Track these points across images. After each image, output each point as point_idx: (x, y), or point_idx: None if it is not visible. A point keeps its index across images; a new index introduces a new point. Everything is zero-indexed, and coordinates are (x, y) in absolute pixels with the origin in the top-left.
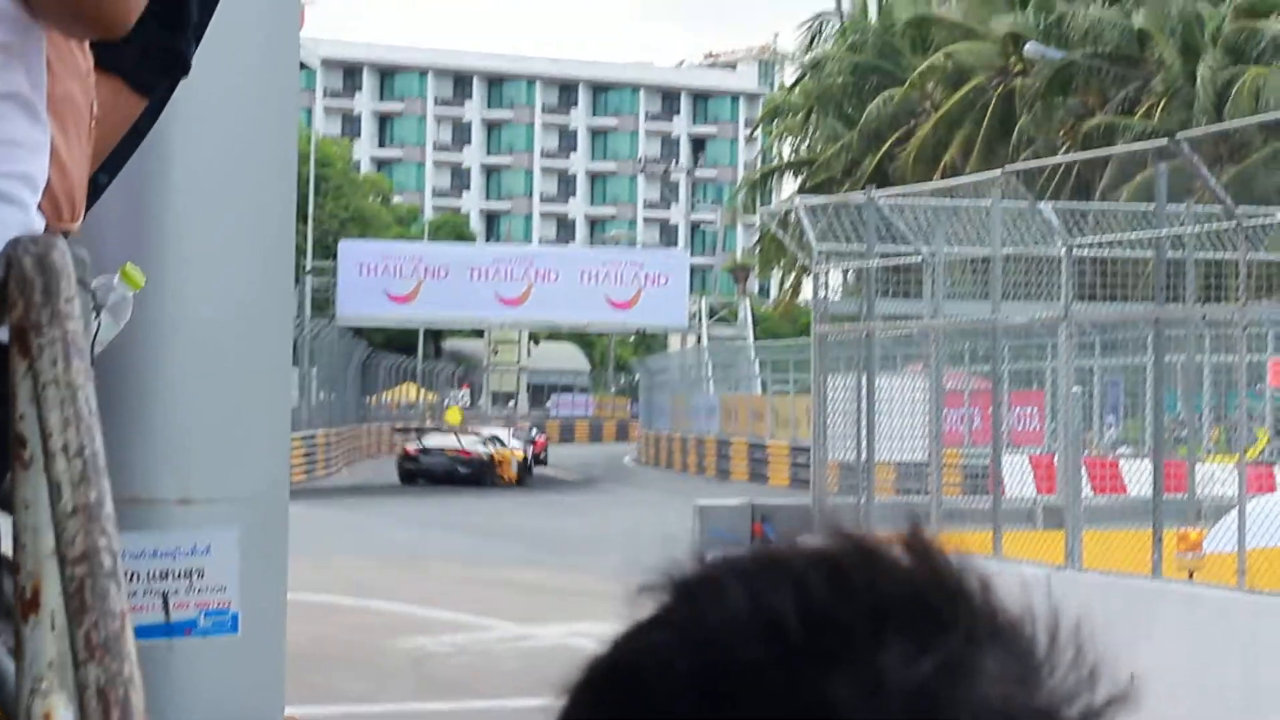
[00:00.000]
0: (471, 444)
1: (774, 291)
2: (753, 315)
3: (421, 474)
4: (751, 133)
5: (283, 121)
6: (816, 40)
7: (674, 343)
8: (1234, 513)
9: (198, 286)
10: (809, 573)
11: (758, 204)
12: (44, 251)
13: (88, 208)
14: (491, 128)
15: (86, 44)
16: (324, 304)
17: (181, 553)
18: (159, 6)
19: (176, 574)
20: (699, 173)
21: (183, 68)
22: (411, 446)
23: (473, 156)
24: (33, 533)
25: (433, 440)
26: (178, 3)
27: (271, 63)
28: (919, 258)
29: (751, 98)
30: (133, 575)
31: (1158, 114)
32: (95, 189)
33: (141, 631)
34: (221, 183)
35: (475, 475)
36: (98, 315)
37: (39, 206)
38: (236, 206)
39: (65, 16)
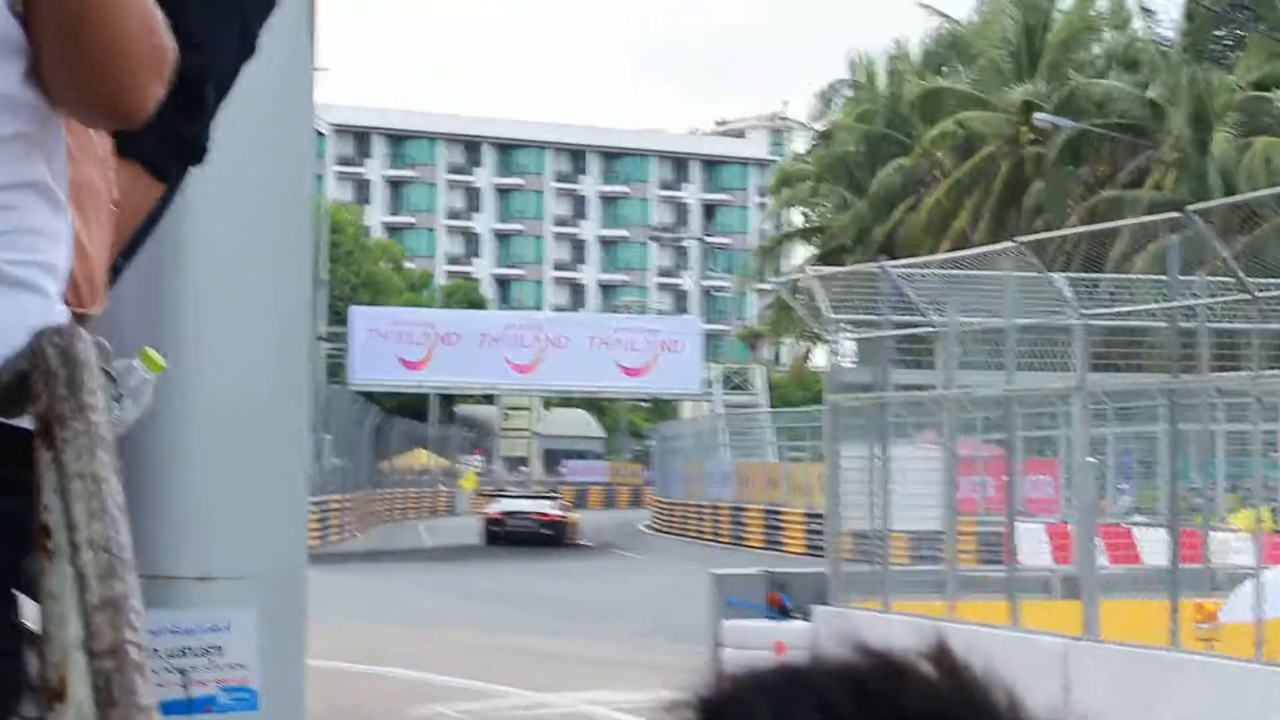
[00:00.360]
0: (549, 508)
1: (785, 357)
2: (767, 382)
3: (508, 537)
4: (763, 200)
5: (297, 193)
6: (829, 108)
7: (687, 409)
8: (1250, 582)
9: (214, 365)
10: (834, 689)
11: (769, 271)
12: (68, 344)
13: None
14: (503, 194)
15: (105, 131)
16: (336, 370)
17: (201, 629)
18: (176, 93)
19: (195, 651)
20: (711, 239)
21: (200, 155)
22: (496, 511)
23: (484, 223)
24: (59, 623)
25: (513, 505)
26: (195, 89)
27: (285, 136)
28: (932, 328)
29: (762, 164)
30: (151, 653)
31: (1169, 184)
32: (113, 272)
33: (161, 708)
34: (236, 261)
35: (556, 536)
36: (119, 401)
37: (61, 293)
38: (252, 284)
39: (85, 106)
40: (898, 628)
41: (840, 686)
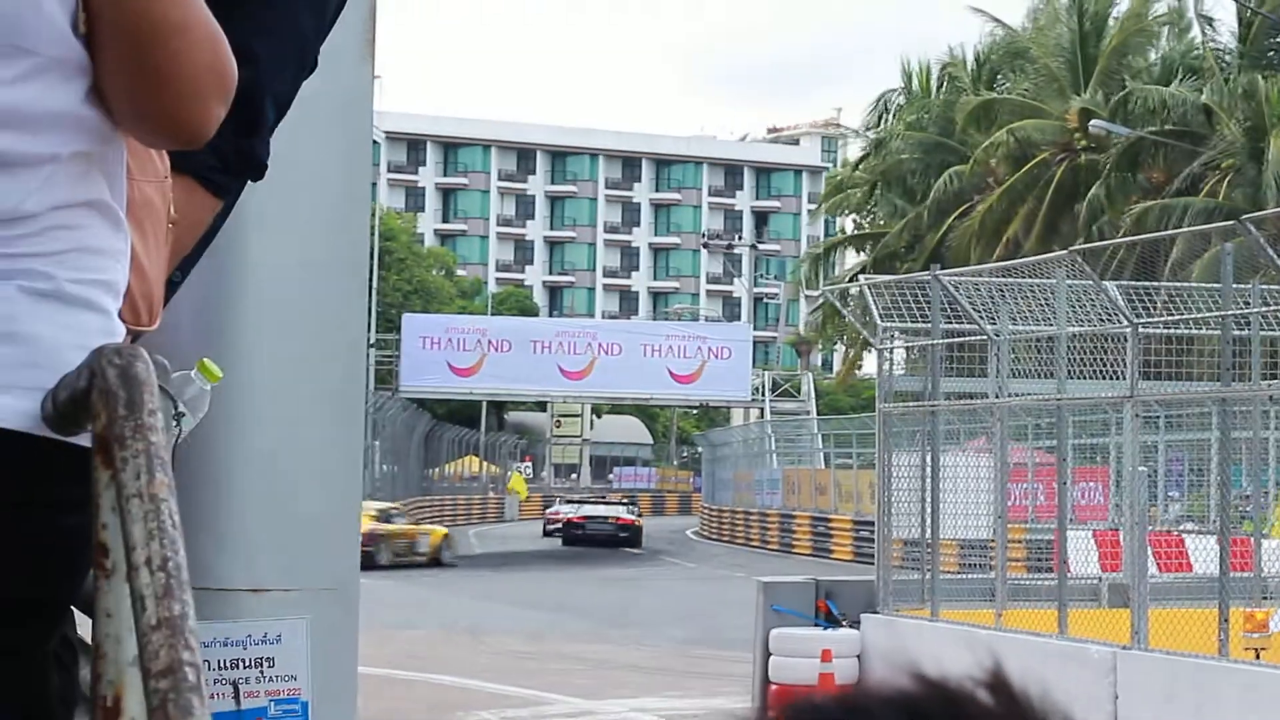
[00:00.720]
0: (625, 513)
1: (836, 364)
2: (815, 389)
3: (587, 539)
4: (817, 209)
5: (355, 205)
6: (884, 118)
7: (736, 416)
8: None
9: (269, 376)
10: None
11: (820, 278)
12: (128, 364)
13: (163, 305)
14: (555, 201)
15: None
16: (387, 377)
17: (252, 642)
18: (234, 109)
19: (247, 663)
20: (762, 246)
21: (259, 170)
22: (576, 515)
23: (536, 230)
24: (115, 641)
25: (592, 510)
26: (253, 106)
27: (345, 151)
28: (983, 336)
29: (814, 172)
30: (203, 664)
31: (1223, 192)
32: (170, 287)
33: None
34: (293, 272)
35: (632, 539)
36: (179, 421)
37: (119, 312)
38: (309, 295)
39: (146, 126)
40: (946, 637)
41: (897, 718)
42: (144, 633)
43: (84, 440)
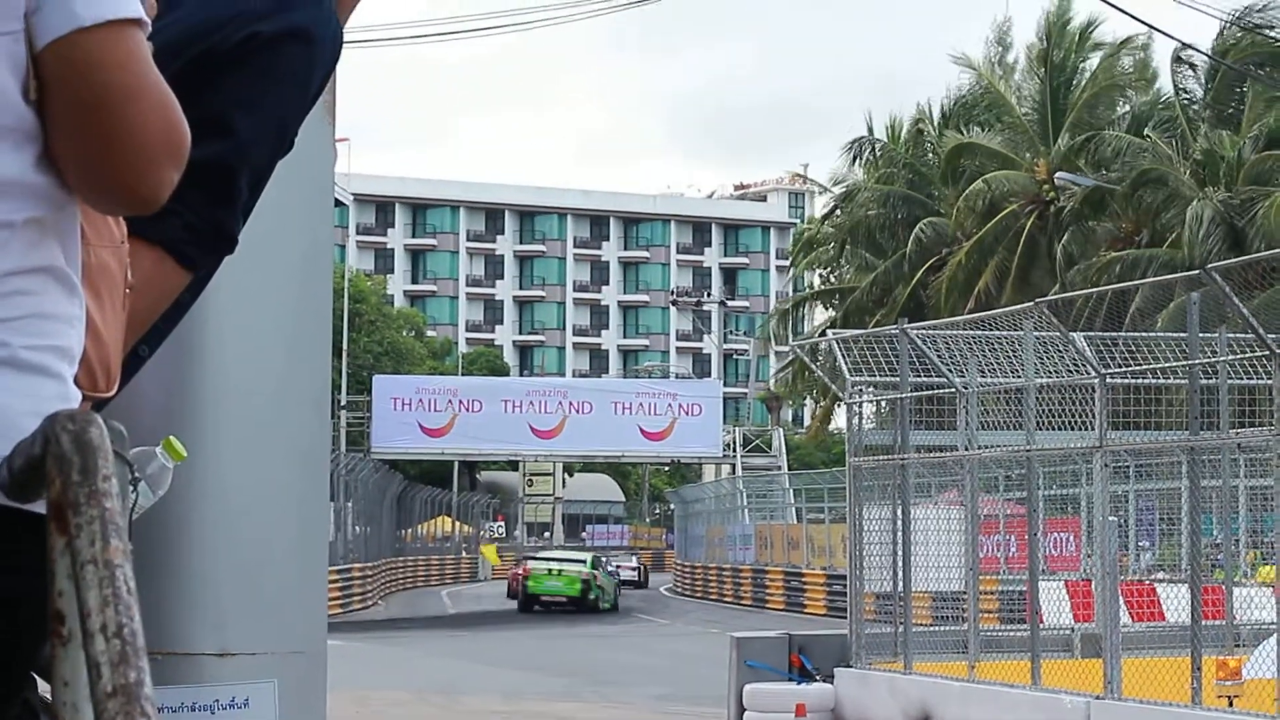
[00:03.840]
0: (629, 565)
1: (806, 419)
2: (785, 444)
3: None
4: (789, 265)
5: (316, 274)
6: (857, 162)
7: (708, 472)
8: (1274, 639)
9: (234, 444)
10: None
11: (789, 333)
12: (81, 429)
13: (128, 378)
14: (524, 261)
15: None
16: (359, 438)
17: (220, 706)
18: (208, 182)
19: None
20: (731, 303)
21: (230, 245)
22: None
23: (505, 290)
24: (72, 709)
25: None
26: (226, 178)
27: (305, 220)
28: (952, 389)
29: (782, 228)
30: None
31: (1184, 243)
32: (136, 360)
33: None
34: (255, 342)
35: (641, 582)
36: (135, 486)
37: (75, 378)
38: (272, 363)
39: (99, 192)
40: (917, 690)
41: None
42: (100, 700)
43: (41, 507)
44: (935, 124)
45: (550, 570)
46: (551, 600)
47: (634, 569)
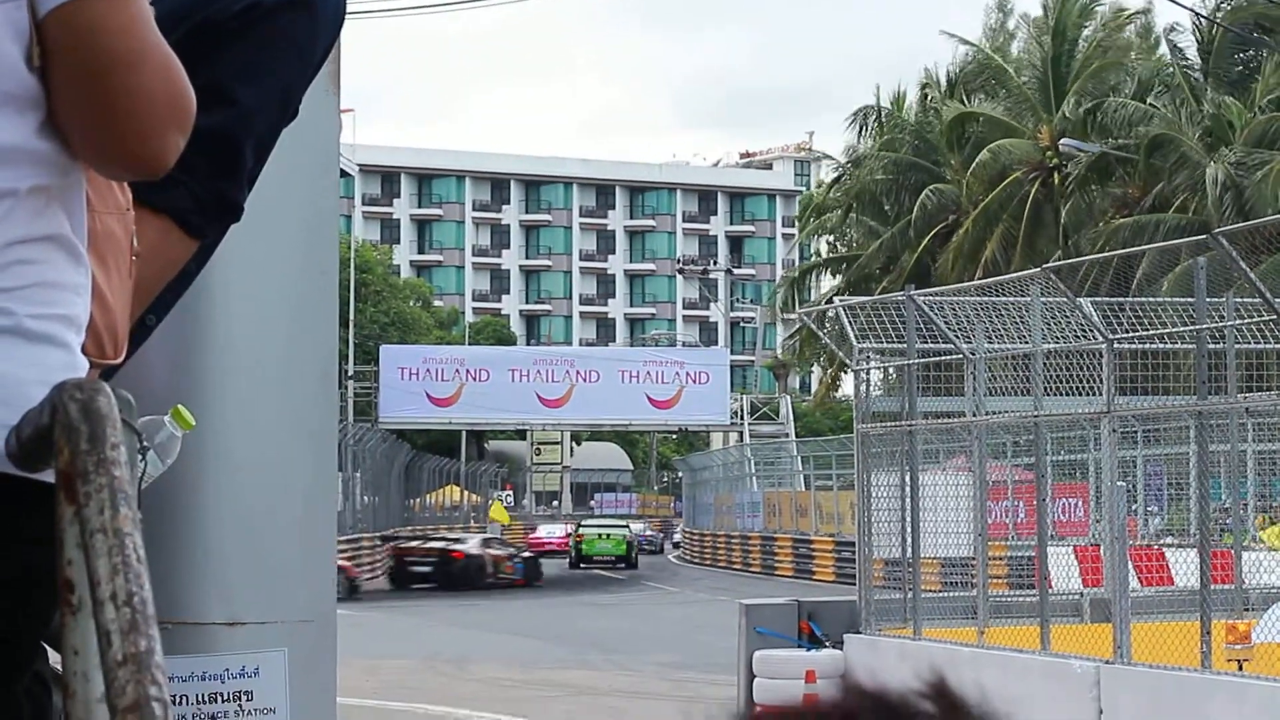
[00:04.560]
0: (650, 531)
1: (814, 386)
2: (793, 411)
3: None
4: (794, 232)
5: (323, 243)
6: (863, 131)
7: (716, 440)
8: None
9: (242, 411)
10: None
11: (796, 301)
12: (89, 398)
13: (136, 346)
14: (530, 230)
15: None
16: (366, 408)
17: (230, 675)
18: (213, 151)
19: (225, 696)
20: (737, 271)
21: (235, 213)
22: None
23: (512, 259)
24: (82, 678)
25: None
26: (230, 148)
27: (310, 189)
28: (959, 355)
29: (788, 195)
30: (181, 699)
31: (1195, 207)
32: (144, 329)
33: None
34: (263, 311)
35: (658, 549)
36: (144, 455)
37: (82, 346)
38: (279, 332)
39: (104, 158)
40: (926, 655)
41: None
42: (110, 669)
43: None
44: (941, 89)
45: (600, 535)
46: (602, 559)
47: (654, 536)
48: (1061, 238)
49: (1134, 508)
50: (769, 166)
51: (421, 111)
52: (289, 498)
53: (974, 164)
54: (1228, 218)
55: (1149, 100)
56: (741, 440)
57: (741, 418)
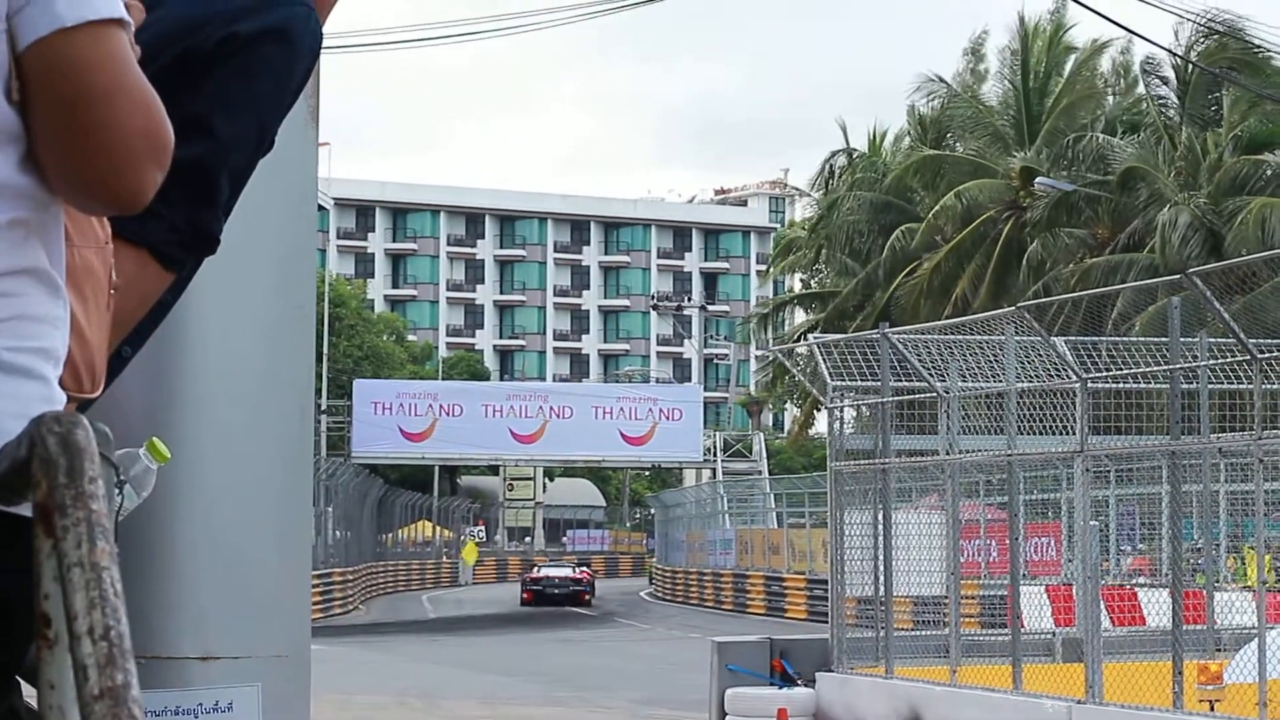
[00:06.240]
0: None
1: (787, 424)
2: (766, 449)
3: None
4: (767, 269)
5: (300, 276)
6: (831, 180)
7: (689, 477)
8: (1254, 643)
9: (217, 446)
10: None
11: (769, 337)
12: (68, 431)
13: (111, 378)
14: (504, 266)
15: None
16: (339, 443)
17: (204, 710)
18: (189, 183)
19: None
20: (711, 308)
21: (211, 245)
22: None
23: (486, 294)
24: (59, 713)
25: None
26: (206, 179)
27: (287, 223)
28: (933, 394)
29: (762, 232)
30: None
31: (1162, 248)
32: (120, 361)
33: None
34: (239, 344)
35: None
36: (120, 488)
37: (60, 379)
38: (255, 367)
39: (82, 193)
40: (899, 693)
41: None
42: (87, 703)
43: (25, 509)
44: (914, 131)
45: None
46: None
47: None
48: (1031, 277)
49: (1106, 547)
50: (744, 203)
51: (397, 146)
52: (264, 532)
53: (941, 208)
54: (1196, 258)
55: (1120, 135)
56: (714, 477)
57: (715, 454)
